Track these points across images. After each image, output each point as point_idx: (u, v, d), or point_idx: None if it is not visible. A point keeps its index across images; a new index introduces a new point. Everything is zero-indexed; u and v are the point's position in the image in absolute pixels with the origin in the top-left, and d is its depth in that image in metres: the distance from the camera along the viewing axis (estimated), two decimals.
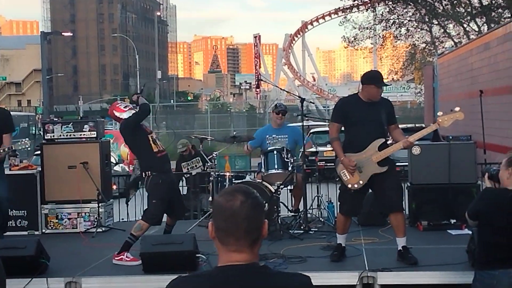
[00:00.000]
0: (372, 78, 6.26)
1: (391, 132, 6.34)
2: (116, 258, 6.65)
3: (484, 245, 4.22)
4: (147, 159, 6.88)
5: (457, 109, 6.06)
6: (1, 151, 7.26)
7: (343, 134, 6.43)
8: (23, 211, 8.65)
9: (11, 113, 8.34)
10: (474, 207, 4.24)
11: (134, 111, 6.97)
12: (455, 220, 7.75)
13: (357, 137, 6.21)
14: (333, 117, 6.46)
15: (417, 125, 19.51)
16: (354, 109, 6.24)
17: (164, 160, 6.99)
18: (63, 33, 52.95)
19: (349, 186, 6.22)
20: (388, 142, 6.41)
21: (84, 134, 8.99)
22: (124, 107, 7.05)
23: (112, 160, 11.48)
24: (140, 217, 7.09)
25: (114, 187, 10.47)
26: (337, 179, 6.57)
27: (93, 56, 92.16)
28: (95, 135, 8.96)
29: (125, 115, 6.95)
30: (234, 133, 9.46)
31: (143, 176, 6.88)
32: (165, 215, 7.12)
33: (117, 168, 15.42)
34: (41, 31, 45.49)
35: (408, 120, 30.84)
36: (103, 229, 8.60)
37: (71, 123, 9.09)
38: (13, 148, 7.44)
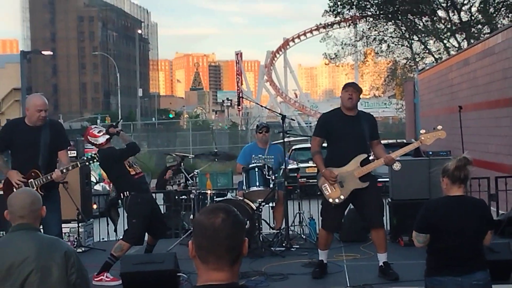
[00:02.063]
0: (343, 86, 6.37)
1: (373, 148, 6.36)
2: (95, 279, 6.56)
3: (433, 251, 4.22)
4: (124, 182, 6.84)
5: (439, 127, 6.11)
6: (64, 170, 5.99)
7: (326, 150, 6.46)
8: (1, 232, 8.53)
9: None
10: (423, 220, 4.23)
11: (108, 136, 6.93)
12: None
13: (339, 152, 6.24)
14: (315, 131, 6.49)
15: (398, 140, 19.66)
16: (336, 124, 6.28)
17: (142, 181, 6.96)
18: (43, 52, 52.70)
19: (330, 200, 6.23)
20: (370, 158, 6.44)
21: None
22: (97, 132, 6.99)
23: (93, 179, 11.40)
24: (121, 237, 7.02)
25: (95, 206, 10.37)
26: (318, 193, 6.57)
27: (73, 74, 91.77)
28: (75, 154, 8.90)
29: (100, 140, 6.91)
30: (216, 150, 9.41)
31: (121, 197, 6.82)
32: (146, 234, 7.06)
33: (97, 187, 15.30)
34: (20, 50, 45.24)
35: (390, 136, 31.04)
36: (83, 249, 8.51)
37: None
38: (79, 165, 6.34)
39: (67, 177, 8.42)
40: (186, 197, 9.13)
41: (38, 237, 3.40)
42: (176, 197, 9.54)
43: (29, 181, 5.85)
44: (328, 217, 6.36)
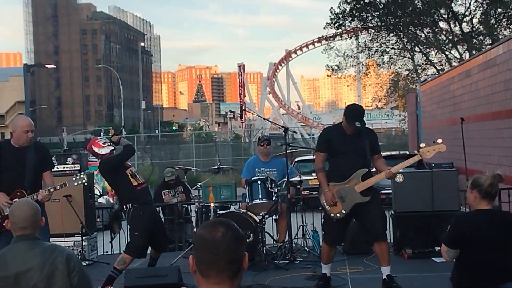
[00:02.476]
0: (347, 115, 6.28)
1: (374, 162, 6.39)
2: None
3: (463, 265, 4.25)
4: (127, 193, 6.85)
5: (439, 140, 6.15)
6: (51, 189, 6.04)
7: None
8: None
9: None
10: (453, 234, 4.27)
11: (113, 147, 6.97)
12: (439, 248, 7.75)
13: (340, 167, 6.28)
14: (318, 146, 6.53)
15: (401, 152, 19.63)
16: (337, 139, 6.32)
17: (145, 192, 6.97)
18: (46, 65, 52.85)
19: (332, 215, 6.26)
20: (372, 171, 6.46)
21: (67, 167, 8.95)
22: (103, 143, 7.04)
23: (96, 192, 11.45)
24: (123, 250, 7.03)
25: (98, 219, 10.39)
26: (320, 208, 6.59)
27: (76, 87, 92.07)
28: (78, 168, 8.93)
29: (103, 151, 6.95)
30: (219, 163, 9.42)
31: (124, 209, 6.85)
32: (149, 247, 7.07)
33: (101, 200, 15.32)
34: (24, 63, 45.44)
35: (392, 147, 31.02)
36: (87, 262, 8.51)
37: (54, 156, 9.04)
38: (67, 185, 6.38)
39: (70, 190, 8.53)
40: (185, 209, 9.11)
41: (39, 245, 3.56)
42: (178, 209, 9.55)
43: (14, 201, 5.69)
44: (330, 231, 6.40)
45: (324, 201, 6.28)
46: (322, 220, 6.58)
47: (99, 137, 7.36)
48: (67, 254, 3.56)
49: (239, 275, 2.24)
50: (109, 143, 7.02)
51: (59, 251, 3.57)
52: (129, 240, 6.95)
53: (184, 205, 9.89)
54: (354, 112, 6.32)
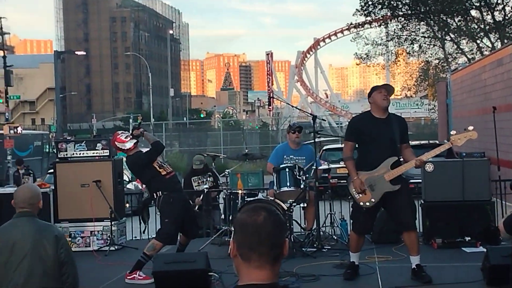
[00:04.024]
0: (373, 87, 6.35)
1: (402, 151, 6.31)
2: (128, 277, 6.64)
3: None
4: (156, 183, 6.91)
5: (470, 128, 6.05)
6: None
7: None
8: None
9: (25, 131, 8.38)
10: None
11: (136, 140, 7.03)
12: (469, 238, 7.69)
13: (369, 155, 6.22)
14: (346, 135, 6.48)
15: (431, 141, 19.45)
16: (366, 127, 6.25)
17: (174, 180, 7.01)
18: (76, 52, 53.42)
19: (361, 204, 6.21)
20: (401, 160, 6.39)
21: (97, 153, 9.03)
22: (125, 137, 7.10)
23: (125, 178, 11.51)
24: (153, 237, 7.07)
25: (127, 205, 10.47)
26: (349, 197, 6.54)
27: (106, 74, 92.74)
28: (108, 154, 9.00)
29: (127, 145, 7.01)
30: (247, 150, 9.42)
31: (154, 197, 6.89)
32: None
33: (130, 186, 15.45)
34: (54, 50, 45.92)
35: (422, 137, 30.73)
36: (116, 247, 8.61)
37: (84, 142, 9.14)
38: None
39: (100, 176, 8.64)
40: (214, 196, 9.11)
41: (35, 222, 4.17)
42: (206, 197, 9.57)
43: None
44: (358, 220, 6.35)
45: (353, 189, 6.22)
46: (351, 209, 6.54)
47: (120, 132, 7.41)
48: (57, 232, 4.19)
49: (279, 260, 2.24)
50: (130, 136, 7.08)
51: (51, 228, 4.23)
52: (159, 227, 7.00)
53: (212, 192, 9.91)
54: (382, 84, 6.42)
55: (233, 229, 2.29)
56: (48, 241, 4.06)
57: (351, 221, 6.53)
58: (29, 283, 4.00)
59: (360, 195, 6.19)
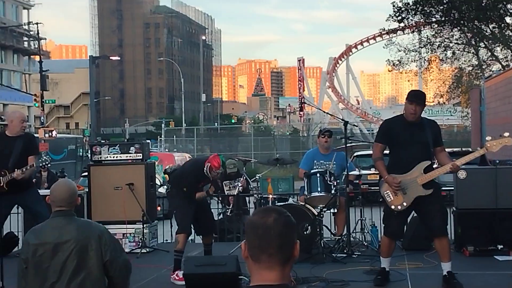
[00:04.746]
0: (408, 95, 6.28)
1: (437, 155, 6.27)
2: (172, 276, 6.86)
3: None
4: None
5: (506, 134, 6.01)
6: (19, 171, 7.33)
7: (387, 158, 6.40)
8: None
9: (60, 135, 8.78)
10: None
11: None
12: (502, 246, 7.60)
13: (402, 159, 6.18)
14: (377, 137, 6.45)
15: (463, 149, 19.22)
16: (399, 130, 6.22)
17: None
18: (110, 57, 54.02)
19: (393, 207, 6.17)
20: (434, 166, 6.35)
21: (130, 156, 9.14)
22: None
23: (157, 181, 11.61)
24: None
25: (159, 208, 10.57)
26: (380, 200, 6.51)
27: (139, 79, 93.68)
28: (140, 157, 9.10)
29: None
30: (277, 155, 9.45)
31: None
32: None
33: (161, 189, 15.56)
34: (89, 55, 46.54)
35: (454, 144, 30.33)
36: (148, 250, 8.69)
37: (118, 145, 9.26)
38: (33, 166, 7.62)
39: (133, 179, 8.77)
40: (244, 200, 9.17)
41: (75, 221, 4.00)
42: (237, 200, 9.62)
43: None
44: (390, 224, 6.30)
45: (385, 191, 6.18)
46: (383, 213, 6.51)
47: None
48: (99, 231, 3.98)
49: (290, 262, 2.25)
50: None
51: (92, 227, 4.02)
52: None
53: (243, 196, 9.97)
54: (412, 92, 6.30)
55: (245, 230, 2.31)
56: (91, 241, 3.91)
57: (383, 225, 6.50)
58: (71, 287, 3.87)
59: (392, 198, 6.14)
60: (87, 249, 3.90)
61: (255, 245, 2.22)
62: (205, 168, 6.91)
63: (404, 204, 6.13)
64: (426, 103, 6.48)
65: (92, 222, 4.24)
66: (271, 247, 2.21)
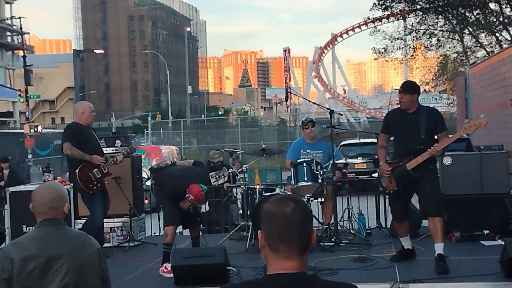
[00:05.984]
0: (400, 86, 6.79)
1: (439, 140, 6.55)
2: (161, 268, 6.80)
3: None
4: None
5: (481, 115, 6.28)
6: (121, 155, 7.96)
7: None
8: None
9: (46, 130, 8.75)
10: None
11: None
12: (488, 231, 7.66)
13: (398, 146, 6.75)
14: (381, 128, 6.98)
15: (449, 135, 19.33)
16: (395, 121, 6.75)
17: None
18: (95, 51, 53.83)
19: (387, 191, 6.80)
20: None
21: (116, 150, 9.10)
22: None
23: (144, 175, 11.58)
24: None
25: (146, 201, 10.55)
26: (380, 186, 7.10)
27: (124, 72, 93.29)
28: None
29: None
30: (264, 146, 9.45)
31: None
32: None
33: (148, 183, 15.54)
34: (73, 49, 46.30)
35: None
36: (136, 243, 8.69)
37: (103, 139, 9.22)
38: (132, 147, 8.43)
39: (119, 173, 8.73)
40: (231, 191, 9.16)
41: (67, 231, 3.40)
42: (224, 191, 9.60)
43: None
44: (395, 206, 6.79)
45: (382, 178, 6.70)
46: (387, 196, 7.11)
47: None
48: (97, 247, 3.41)
49: (307, 250, 2.25)
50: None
51: (89, 241, 3.41)
52: None
53: (230, 187, 9.95)
54: (405, 82, 7.01)
55: (261, 219, 2.30)
56: (89, 258, 3.34)
57: (390, 209, 7.05)
58: None
59: (386, 183, 6.66)
60: (85, 265, 3.31)
61: (274, 235, 2.21)
62: (187, 196, 6.87)
63: (396, 188, 6.60)
64: None
65: (87, 235, 3.52)
66: (290, 237, 2.20)
